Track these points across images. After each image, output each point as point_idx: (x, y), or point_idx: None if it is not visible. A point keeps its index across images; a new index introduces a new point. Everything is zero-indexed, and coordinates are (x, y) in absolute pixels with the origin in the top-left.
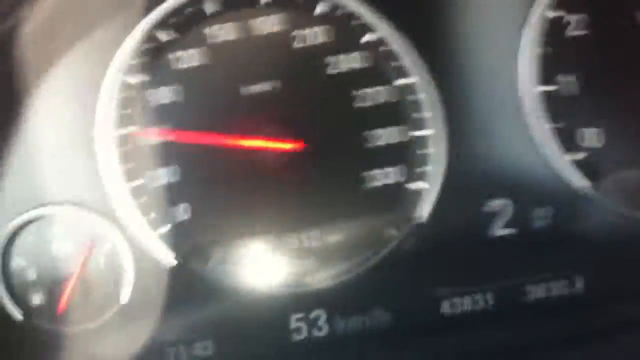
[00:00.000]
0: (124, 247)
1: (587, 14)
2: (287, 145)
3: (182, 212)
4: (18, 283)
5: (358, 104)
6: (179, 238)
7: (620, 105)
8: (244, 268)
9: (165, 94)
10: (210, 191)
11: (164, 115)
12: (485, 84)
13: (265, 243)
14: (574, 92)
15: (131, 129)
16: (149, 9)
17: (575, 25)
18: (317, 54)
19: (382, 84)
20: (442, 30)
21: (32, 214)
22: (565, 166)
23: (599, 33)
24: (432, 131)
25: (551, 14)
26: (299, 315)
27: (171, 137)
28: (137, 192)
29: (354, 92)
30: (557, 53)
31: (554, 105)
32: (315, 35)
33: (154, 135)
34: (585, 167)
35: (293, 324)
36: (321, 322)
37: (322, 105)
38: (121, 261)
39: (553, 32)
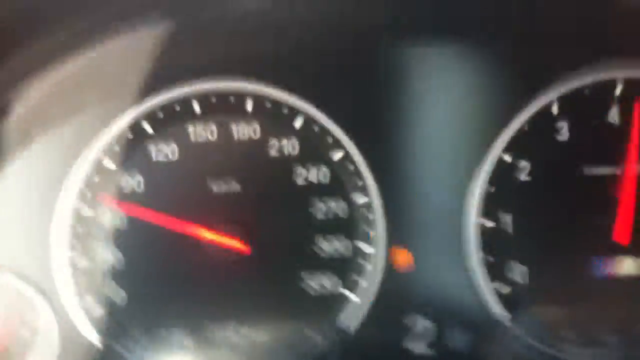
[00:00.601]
0: (53, 324)
1: (531, 162)
2: (238, 244)
3: (118, 298)
4: None
5: (316, 215)
6: (110, 322)
7: (547, 249)
8: (170, 358)
9: (139, 182)
10: (148, 281)
11: (131, 201)
12: (432, 212)
13: (193, 337)
14: (509, 230)
15: (89, 210)
16: (139, 101)
17: (524, 171)
18: (289, 164)
19: (343, 198)
20: (400, 157)
21: None
22: (490, 296)
23: (540, 181)
24: (373, 249)
25: (507, 158)
26: None
27: (130, 213)
28: (77, 273)
29: (316, 203)
30: (502, 193)
31: (490, 239)
32: (291, 146)
33: (114, 211)
34: (508, 299)
35: None
36: None
37: (282, 210)
38: (47, 337)
39: (503, 174)
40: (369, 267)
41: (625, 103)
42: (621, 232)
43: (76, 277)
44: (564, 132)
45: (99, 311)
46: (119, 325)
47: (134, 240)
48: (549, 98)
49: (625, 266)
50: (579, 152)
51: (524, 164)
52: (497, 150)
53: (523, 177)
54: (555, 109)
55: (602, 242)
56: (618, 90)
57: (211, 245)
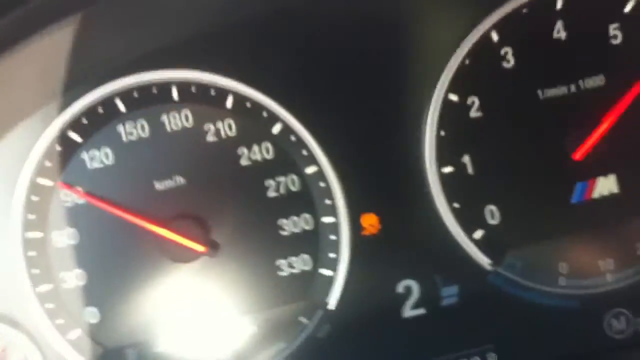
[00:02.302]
0: (36, 355)
1: (479, 97)
2: (198, 247)
3: (90, 315)
4: None
5: (270, 194)
6: (89, 342)
7: (513, 184)
8: None
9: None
10: (117, 292)
11: (77, 215)
12: (388, 167)
13: (179, 341)
14: (470, 171)
15: (39, 233)
16: (59, 111)
17: (473, 107)
18: (229, 146)
19: (293, 172)
20: (342, 118)
21: None
22: (466, 244)
23: (492, 114)
24: (334, 219)
25: (453, 97)
26: None
27: (92, 202)
28: (44, 298)
29: (266, 182)
30: (454, 134)
31: (453, 185)
32: (227, 127)
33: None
34: (484, 243)
35: None
36: None
37: (235, 196)
38: None
39: (452, 114)
40: (334, 238)
41: (569, 15)
42: (583, 152)
43: (42, 302)
44: (509, 58)
45: (76, 334)
46: (99, 344)
47: (88, 253)
48: (486, 26)
49: (599, 187)
50: (529, 76)
51: (472, 100)
52: (441, 90)
53: (473, 113)
54: (495, 36)
55: (567, 166)
56: (559, 3)
57: (171, 244)
